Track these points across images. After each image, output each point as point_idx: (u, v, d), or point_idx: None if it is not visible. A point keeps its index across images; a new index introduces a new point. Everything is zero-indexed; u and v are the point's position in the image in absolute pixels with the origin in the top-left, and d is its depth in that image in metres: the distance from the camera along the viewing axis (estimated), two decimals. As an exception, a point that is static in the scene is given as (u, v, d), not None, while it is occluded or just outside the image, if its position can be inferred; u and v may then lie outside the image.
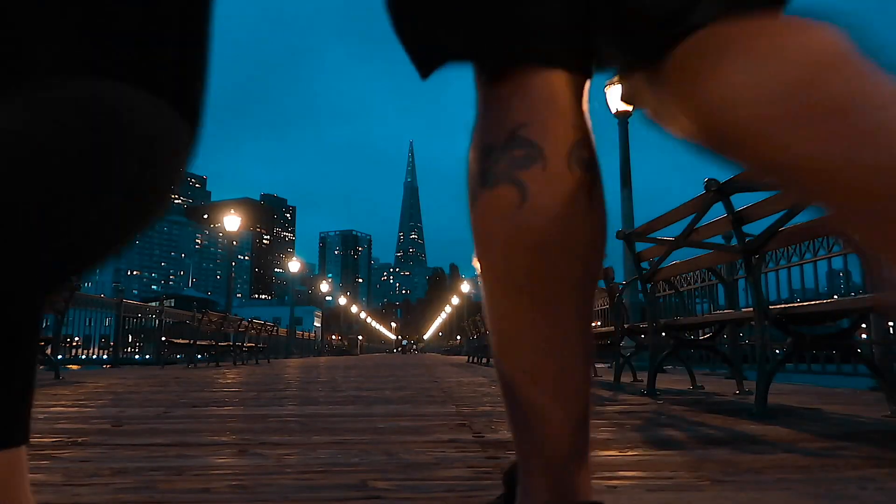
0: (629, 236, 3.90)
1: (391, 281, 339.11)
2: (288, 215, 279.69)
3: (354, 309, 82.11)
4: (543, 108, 0.58)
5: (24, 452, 0.64)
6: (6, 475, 0.62)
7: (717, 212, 2.77)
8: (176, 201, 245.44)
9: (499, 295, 0.61)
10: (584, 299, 0.62)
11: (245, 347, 14.01)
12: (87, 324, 10.22)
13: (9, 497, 0.62)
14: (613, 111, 9.35)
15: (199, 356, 11.88)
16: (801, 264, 5.10)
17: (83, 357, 10.44)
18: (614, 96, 9.32)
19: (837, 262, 4.77)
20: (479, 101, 0.63)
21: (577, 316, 0.61)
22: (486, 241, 0.60)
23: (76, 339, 10.10)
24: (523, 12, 0.57)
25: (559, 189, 0.56)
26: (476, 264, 0.62)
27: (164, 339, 11.06)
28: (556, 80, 0.58)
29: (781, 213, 2.42)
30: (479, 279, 0.62)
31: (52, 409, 3.02)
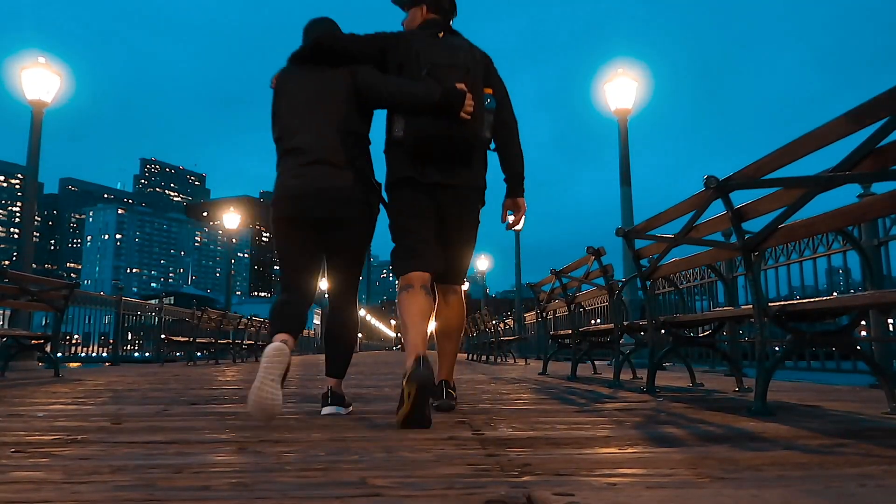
0: (628, 234, 3.90)
1: (390, 279, 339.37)
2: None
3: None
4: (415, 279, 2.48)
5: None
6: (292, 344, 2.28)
7: (717, 209, 2.77)
8: (175, 199, 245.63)
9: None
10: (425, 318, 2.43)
11: (244, 345, 14.02)
12: (87, 321, 10.23)
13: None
14: (612, 109, 9.33)
15: (199, 354, 11.89)
16: (801, 261, 5.11)
17: (83, 355, 10.45)
18: (613, 94, 9.32)
19: (837, 260, 4.78)
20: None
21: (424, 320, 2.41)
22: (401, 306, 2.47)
23: (76, 336, 10.10)
24: (416, 257, 2.52)
25: (418, 296, 2.42)
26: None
27: (163, 336, 11.07)
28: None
29: (781, 210, 2.41)
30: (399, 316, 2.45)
31: (51, 406, 3.03)
